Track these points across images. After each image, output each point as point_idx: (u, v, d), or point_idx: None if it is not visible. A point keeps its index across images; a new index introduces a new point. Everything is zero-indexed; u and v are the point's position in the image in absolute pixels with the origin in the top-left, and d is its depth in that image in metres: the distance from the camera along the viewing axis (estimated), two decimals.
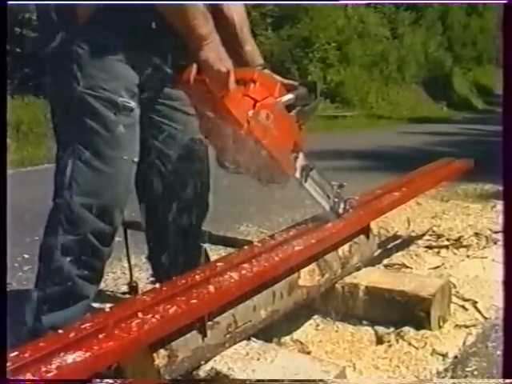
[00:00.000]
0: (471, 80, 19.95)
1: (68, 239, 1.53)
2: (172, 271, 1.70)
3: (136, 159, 1.61)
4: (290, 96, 1.70)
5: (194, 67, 1.50)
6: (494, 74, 20.47)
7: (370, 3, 14.07)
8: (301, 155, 1.76)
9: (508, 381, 1.30)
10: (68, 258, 1.54)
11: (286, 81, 1.77)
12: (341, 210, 1.94)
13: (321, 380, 1.45)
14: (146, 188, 1.74)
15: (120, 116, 1.55)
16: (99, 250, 1.57)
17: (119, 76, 1.55)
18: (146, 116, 1.65)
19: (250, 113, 1.55)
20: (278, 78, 1.76)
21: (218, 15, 1.68)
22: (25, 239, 2.67)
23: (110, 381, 1.33)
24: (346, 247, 1.99)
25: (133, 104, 1.57)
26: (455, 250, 2.74)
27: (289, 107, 1.70)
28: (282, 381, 1.41)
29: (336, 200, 1.92)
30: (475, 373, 1.47)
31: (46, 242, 1.58)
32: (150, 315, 1.32)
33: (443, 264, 2.55)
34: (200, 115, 1.62)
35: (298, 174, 1.77)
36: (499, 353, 1.58)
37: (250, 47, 1.79)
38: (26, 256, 2.67)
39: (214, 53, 1.50)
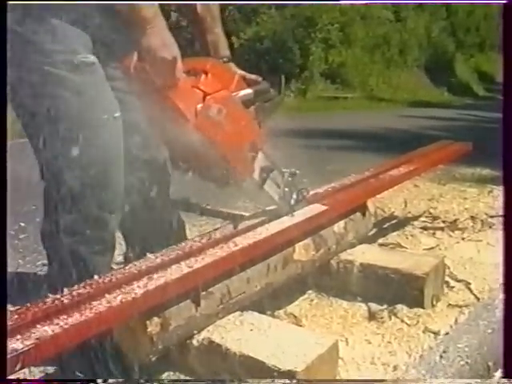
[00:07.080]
0: (473, 66, 19.85)
1: (69, 217, 1.47)
2: (140, 241, 1.68)
3: (117, 114, 1.51)
4: (247, 91, 1.58)
5: (135, 54, 1.39)
6: (496, 61, 20.34)
7: (372, 3, 13.92)
8: (260, 155, 1.61)
9: (508, 381, 1.31)
10: (74, 238, 1.48)
11: (248, 75, 1.66)
12: (293, 201, 1.74)
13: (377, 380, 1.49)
14: None
15: (84, 76, 1.45)
16: (104, 219, 1.51)
17: (70, 35, 1.43)
18: None
19: (199, 106, 1.43)
20: (240, 71, 1.65)
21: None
22: (22, 208, 2.67)
23: (113, 380, 1.34)
24: (341, 224, 2.00)
25: (92, 58, 1.47)
26: (450, 233, 2.75)
27: (247, 103, 1.58)
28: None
29: (286, 190, 1.72)
30: (466, 349, 1.48)
31: (46, 225, 1.53)
32: (142, 282, 1.33)
33: (438, 245, 2.56)
34: (144, 110, 1.49)
35: (256, 176, 1.62)
36: (490, 331, 1.59)
37: (214, 37, 1.68)
38: (23, 224, 2.69)
39: (158, 38, 1.37)
